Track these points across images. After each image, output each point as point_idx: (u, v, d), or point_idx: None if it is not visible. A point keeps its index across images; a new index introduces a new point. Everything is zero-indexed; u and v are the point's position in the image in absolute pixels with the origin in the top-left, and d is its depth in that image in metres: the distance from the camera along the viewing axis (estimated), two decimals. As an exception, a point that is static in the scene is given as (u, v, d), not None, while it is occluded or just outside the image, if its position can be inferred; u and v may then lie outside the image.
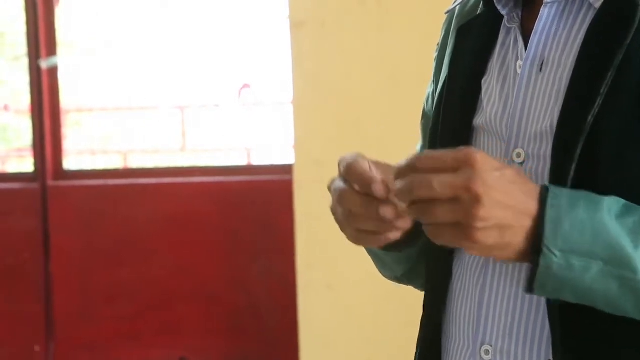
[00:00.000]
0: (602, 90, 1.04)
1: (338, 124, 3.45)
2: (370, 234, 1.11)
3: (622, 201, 1.03)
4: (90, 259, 4.01)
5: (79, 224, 4.03)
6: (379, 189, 1.06)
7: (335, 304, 3.45)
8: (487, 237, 0.99)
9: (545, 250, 0.99)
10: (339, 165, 1.11)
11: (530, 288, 1.01)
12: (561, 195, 1.01)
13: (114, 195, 4.03)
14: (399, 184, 1.00)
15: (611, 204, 1.01)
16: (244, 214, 3.91)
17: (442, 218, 0.99)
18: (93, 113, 4.53)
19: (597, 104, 1.04)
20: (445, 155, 1.00)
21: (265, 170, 4.06)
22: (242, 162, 4.11)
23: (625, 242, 1.00)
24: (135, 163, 4.46)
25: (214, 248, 3.94)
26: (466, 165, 0.99)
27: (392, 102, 3.40)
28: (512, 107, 1.14)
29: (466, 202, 0.98)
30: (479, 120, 1.19)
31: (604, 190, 1.03)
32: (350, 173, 1.08)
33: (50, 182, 4.10)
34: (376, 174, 1.07)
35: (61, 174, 4.13)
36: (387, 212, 1.07)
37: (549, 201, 1.00)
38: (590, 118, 1.04)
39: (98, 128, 4.48)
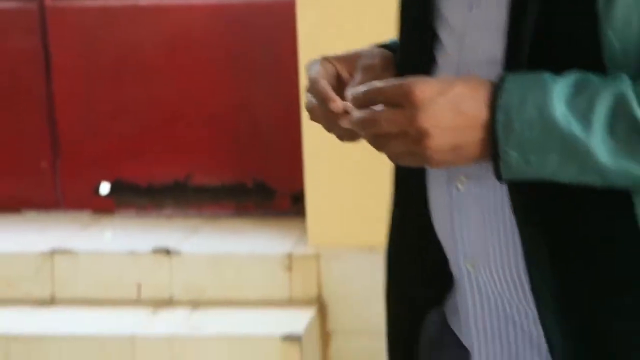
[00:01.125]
0: None
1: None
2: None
3: (575, 78, 1.03)
4: (93, 78, 4.02)
5: (79, 43, 4.03)
6: (335, 107, 1.18)
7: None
8: (443, 159, 1.05)
9: (501, 152, 1.03)
10: (306, 71, 1.26)
11: (499, 180, 1.06)
12: (513, 90, 1.03)
13: (114, 17, 4.02)
14: (353, 118, 1.10)
15: (562, 88, 1.02)
16: (246, 36, 3.92)
17: (397, 149, 1.06)
18: None
19: None
20: (389, 88, 1.06)
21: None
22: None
23: (576, 129, 1.01)
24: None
25: (216, 69, 3.95)
26: (407, 100, 1.03)
27: None
28: None
29: (414, 136, 1.03)
30: None
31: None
32: (313, 91, 1.22)
33: (49, 2, 4.08)
34: (332, 93, 1.19)
35: (59, -7, 4.10)
36: (345, 123, 1.17)
37: (499, 102, 1.03)
38: None
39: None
